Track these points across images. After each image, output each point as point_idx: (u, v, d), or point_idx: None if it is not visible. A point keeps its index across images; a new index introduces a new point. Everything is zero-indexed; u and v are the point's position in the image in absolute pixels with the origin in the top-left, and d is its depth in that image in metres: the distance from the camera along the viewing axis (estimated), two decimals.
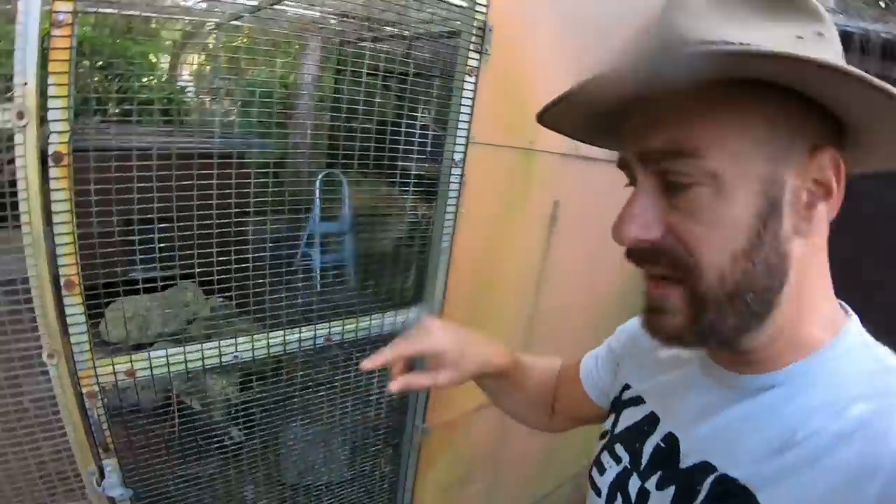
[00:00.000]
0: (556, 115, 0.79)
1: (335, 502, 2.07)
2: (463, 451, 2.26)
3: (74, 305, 1.26)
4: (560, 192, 2.03)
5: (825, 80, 0.58)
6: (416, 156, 1.63)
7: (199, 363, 1.47)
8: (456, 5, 1.56)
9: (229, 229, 1.37)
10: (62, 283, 1.23)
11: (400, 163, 1.63)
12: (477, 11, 1.57)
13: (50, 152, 1.13)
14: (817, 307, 0.72)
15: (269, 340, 1.52)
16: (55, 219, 1.18)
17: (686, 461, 0.77)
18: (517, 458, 2.63)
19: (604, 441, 0.97)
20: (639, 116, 0.70)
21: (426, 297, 1.73)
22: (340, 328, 1.60)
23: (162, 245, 1.34)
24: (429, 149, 1.69)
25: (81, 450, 1.40)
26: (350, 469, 2.01)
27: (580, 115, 0.78)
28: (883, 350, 0.72)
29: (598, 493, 0.92)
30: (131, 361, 1.39)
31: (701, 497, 0.72)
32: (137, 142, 1.26)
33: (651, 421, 0.88)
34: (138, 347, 1.97)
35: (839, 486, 0.60)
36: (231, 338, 1.49)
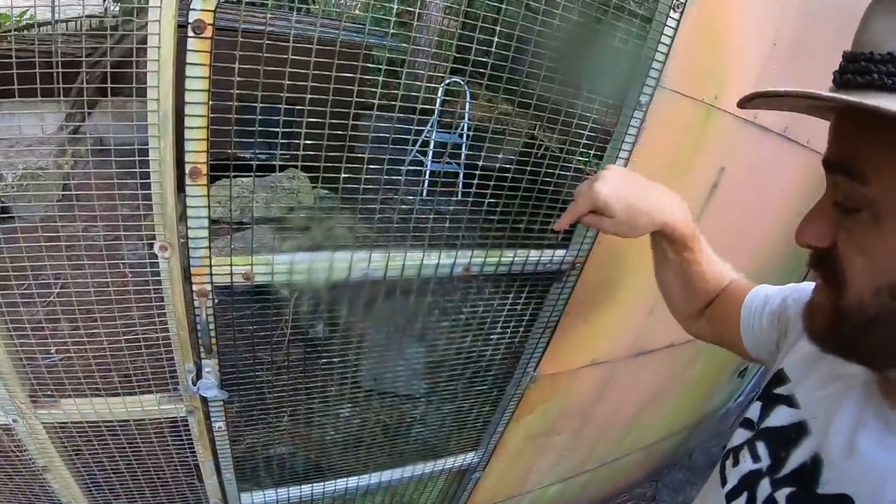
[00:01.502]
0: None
1: (427, 430, 2.05)
2: (559, 404, 2.22)
3: (198, 197, 1.18)
4: (728, 158, 1.88)
5: None
6: (597, 98, 1.48)
7: (325, 274, 1.39)
8: None
9: (346, 122, 1.26)
10: (187, 171, 1.14)
11: (577, 103, 1.48)
12: None
13: (191, 20, 1.02)
14: None
15: (406, 261, 1.44)
16: (188, 98, 1.08)
17: (825, 488, 0.76)
18: (603, 422, 2.60)
19: (748, 432, 0.95)
20: (835, 123, 0.71)
21: (574, 240, 1.64)
22: (482, 261, 1.51)
23: (281, 130, 1.23)
24: (611, 90, 1.54)
25: (182, 347, 1.39)
26: (451, 403, 1.97)
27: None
28: None
29: (724, 483, 0.93)
30: (251, 264, 1.32)
31: None
32: (269, 25, 1.13)
33: (800, 431, 0.86)
34: (238, 229, 1.93)
35: None
36: (365, 251, 1.40)
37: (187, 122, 1.10)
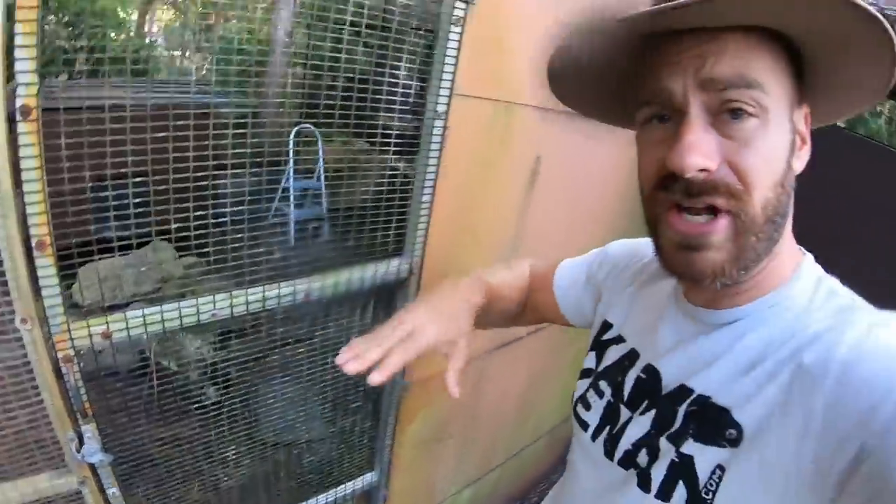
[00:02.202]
0: (571, 80, 0.88)
1: (316, 459, 2.08)
2: (441, 406, 2.29)
3: (47, 267, 1.20)
4: (541, 147, 2.02)
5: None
6: (397, 108, 1.60)
7: (177, 322, 1.43)
8: None
9: (203, 183, 1.33)
10: (33, 244, 1.17)
11: (381, 114, 1.60)
12: None
13: (17, 105, 1.06)
14: (788, 243, 0.82)
15: (248, 297, 1.49)
16: (24, 176, 1.12)
17: (667, 388, 0.86)
18: (492, 416, 2.67)
19: (588, 379, 1.04)
20: (697, 43, 0.71)
21: (406, 250, 1.73)
22: (320, 284, 1.58)
23: (135, 202, 1.28)
24: (411, 101, 1.66)
25: (59, 416, 1.36)
26: (331, 426, 2.01)
27: (595, 72, 0.85)
28: (834, 281, 0.82)
29: (585, 427, 0.99)
30: (107, 322, 1.34)
31: (679, 417, 0.81)
32: (107, 97, 1.20)
33: (631, 356, 0.97)
34: (112, 309, 1.92)
35: (795, 393, 0.69)
36: (209, 295, 1.46)
37: (27, 198, 1.13)
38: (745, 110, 0.70)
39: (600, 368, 1.03)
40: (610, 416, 0.95)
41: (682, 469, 0.78)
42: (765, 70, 0.70)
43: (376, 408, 2.07)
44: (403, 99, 1.61)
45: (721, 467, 0.74)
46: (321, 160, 4.86)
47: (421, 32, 1.62)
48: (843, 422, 0.62)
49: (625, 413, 0.93)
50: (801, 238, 0.86)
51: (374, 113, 1.57)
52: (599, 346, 1.07)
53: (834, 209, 3.30)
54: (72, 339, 1.29)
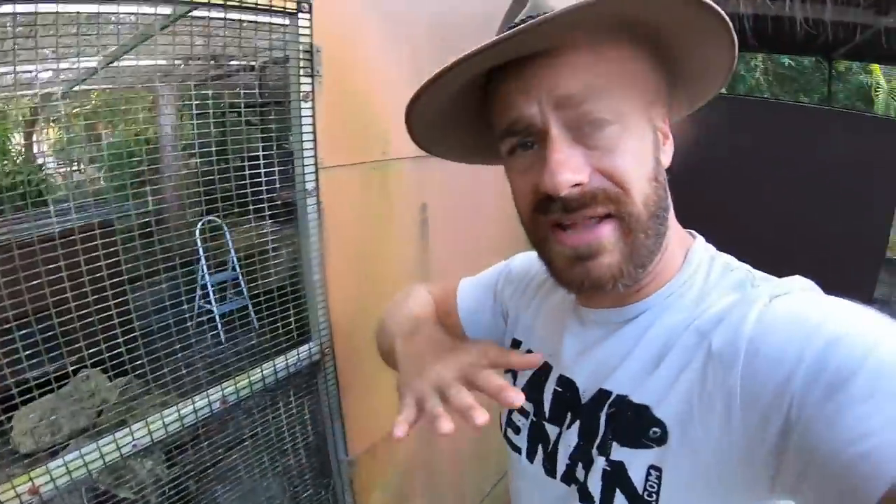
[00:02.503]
0: (429, 126, 0.87)
1: None
2: (394, 471, 2.25)
3: None
4: (425, 194, 2.05)
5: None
6: (277, 187, 1.61)
7: (100, 462, 1.38)
8: (278, 29, 1.53)
9: (120, 300, 1.33)
10: None
11: (265, 197, 1.60)
12: (301, 35, 1.55)
13: None
14: (676, 232, 0.84)
15: (165, 420, 1.45)
16: None
17: (585, 396, 0.85)
18: (452, 461, 2.64)
19: None
20: (541, 68, 0.72)
21: (312, 333, 1.72)
22: (234, 388, 1.56)
23: (51, 335, 1.26)
24: (288, 178, 1.66)
25: None
26: None
27: (449, 108, 0.84)
28: (727, 257, 0.85)
29: (519, 451, 0.97)
30: (31, 479, 1.27)
31: (602, 423, 0.80)
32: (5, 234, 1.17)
33: (544, 371, 0.95)
34: (55, 453, 1.85)
35: (710, 380, 0.69)
36: (141, 420, 1.42)
37: None
38: (604, 119, 0.71)
39: (519, 388, 0.98)
40: (538, 435, 0.93)
41: (616, 477, 0.76)
42: (617, 75, 0.72)
43: (330, 490, 2.03)
44: (283, 176, 1.62)
45: (655, 468, 0.73)
46: (232, 250, 4.81)
47: (276, 115, 1.63)
48: (762, 398, 0.62)
49: (551, 430, 0.91)
50: (709, 212, 0.88)
51: (259, 195, 1.58)
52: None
53: (732, 173, 3.48)
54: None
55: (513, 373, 1.04)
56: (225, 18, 1.42)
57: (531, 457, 0.94)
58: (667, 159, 0.81)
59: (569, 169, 0.70)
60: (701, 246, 0.86)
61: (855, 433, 0.54)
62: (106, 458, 1.38)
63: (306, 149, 1.58)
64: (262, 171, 1.60)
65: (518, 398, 0.78)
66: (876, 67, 12.30)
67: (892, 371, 0.56)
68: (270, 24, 1.50)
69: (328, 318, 1.72)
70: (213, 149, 1.48)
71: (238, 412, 1.64)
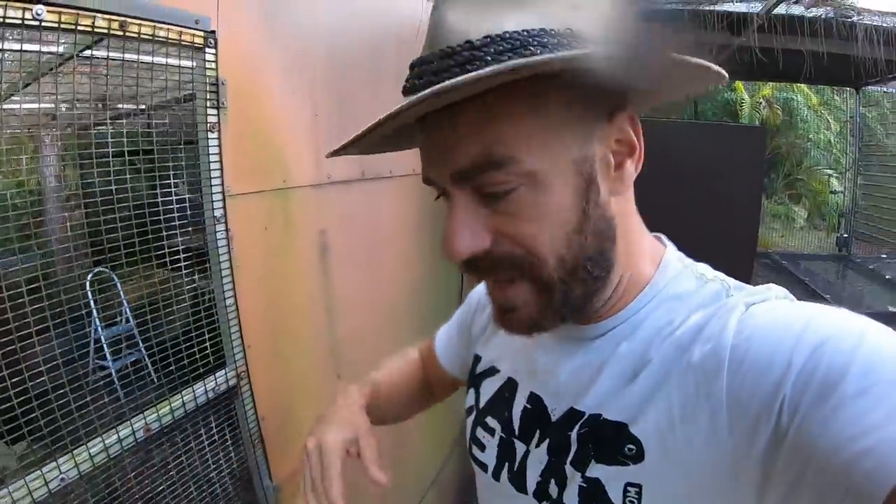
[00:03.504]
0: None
1: None
2: None
3: None
4: (323, 220, 2.12)
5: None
6: (179, 224, 1.63)
7: (28, 500, 1.33)
8: (186, 64, 1.58)
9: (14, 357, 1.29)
10: None
11: (166, 235, 1.62)
12: (208, 69, 1.60)
13: None
14: (640, 247, 0.81)
15: (91, 451, 1.44)
16: None
17: (555, 414, 0.83)
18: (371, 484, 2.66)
19: (472, 417, 1.01)
20: (438, 137, 0.69)
21: (227, 360, 1.74)
22: (155, 415, 1.56)
23: None
24: (190, 214, 1.69)
25: None
26: None
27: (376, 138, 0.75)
28: (701, 266, 0.83)
29: (485, 469, 0.94)
30: None
31: (573, 441, 0.78)
32: None
33: (510, 387, 0.94)
34: None
35: (692, 392, 0.67)
36: (50, 463, 1.39)
37: None
38: (504, 188, 0.66)
39: (482, 404, 0.99)
40: (506, 452, 0.91)
41: (593, 494, 0.74)
42: (520, 130, 0.65)
43: None
44: (183, 214, 1.65)
45: (633, 485, 0.70)
46: (125, 302, 4.69)
47: (184, 146, 1.67)
48: (750, 407, 0.61)
49: (520, 447, 0.88)
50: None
51: (160, 235, 1.60)
52: (473, 382, 1.05)
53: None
54: None
55: (473, 388, 1.04)
56: (128, 56, 1.45)
57: (497, 474, 0.91)
58: (631, 172, 0.74)
59: (464, 237, 0.69)
60: (673, 256, 0.84)
61: (854, 430, 0.53)
62: (34, 494, 1.34)
63: (214, 177, 1.63)
64: (161, 215, 1.63)
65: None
66: (739, 85, 13.28)
67: (884, 362, 0.55)
68: (179, 58, 1.56)
69: (243, 345, 1.76)
70: (99, 199, 1.47)
71: (162, 441, 1.64)
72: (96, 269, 4.31)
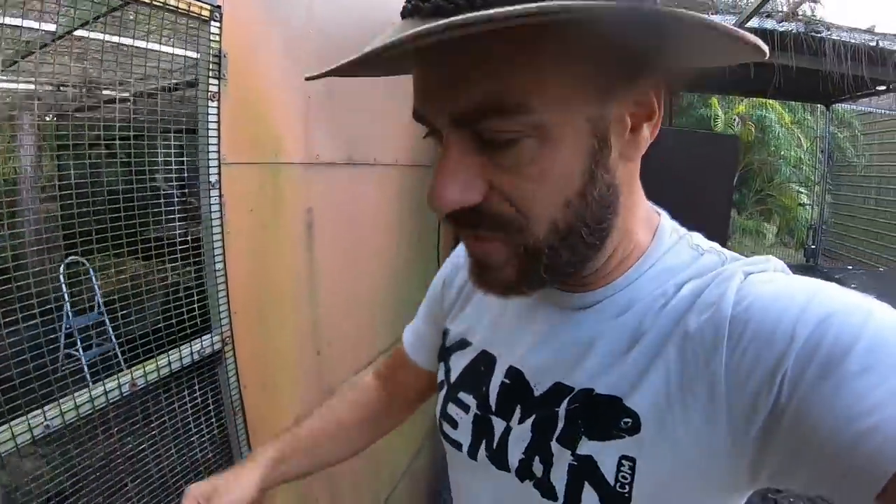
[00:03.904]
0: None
1: None
2: (296, 483, 2.29)
3: None
4: (311, 199, 2.18)
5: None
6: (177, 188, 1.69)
7: (11, 443, 1.36)
8: (192, 36, 1.64)
9: None
10: None
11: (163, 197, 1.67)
12: (212, 40, 1.66)
13: None
14: (639, 214, 0.75)
15: (77, 400, 1.47)
16: None
17: (539, 388, 0.78)
18: (347, 469, 2.71)
19: (443, 392, 0.94)
20: (442, 71, 0.61)
21: (213, 324, 1.79)
22: (142, 371, 1.60)
23: None
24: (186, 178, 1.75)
25: None
26: None
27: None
28: (696, 236, 0.79)
29: (459, 447, 0.88)
30: None
31: (561, 418, 0.74)
32: None
33: (485, 361, 0.87)
34: None
35: (690, 362, 0.64)
36: (37, 407, 1.41)
37: None
38: (511, 137, 0.59)
39: (453, 379, 0.92)
40: (482, 430, 0.84)
41: (584, 471, 0.70)
42: (537, 76, 0.57)
43: None
44: (179, 177, 1.71)
45: (628, 458, 0.67)
46: (98, 292, 4.69)
47: (185, 114, 1.73)
48: (750, 381, 0.58)
49: (498, 424, 0.82)
50: None
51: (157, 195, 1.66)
52: (442, 356, 0.98)
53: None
54: None
55: (444, 363, 0.96)
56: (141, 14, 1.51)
57: (474, 452, 0.85)
58: (624, 155, 0.67)
59: (455, 186, 0.62)
60: (668, 225, 0.79)
61: (857, 409, 0.51)
62: (18, 438, 1.37)
63: (211, 144, 1.69)
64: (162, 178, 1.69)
65: None
66: (714, 101, 13.54)
67: (889, 343, 0.53)
68: (187, 28, 1.62)
69: (229, 311, 1.81)
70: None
71: (147, 399, 1.69)
72: (69, 259, 4.34)
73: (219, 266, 1.76)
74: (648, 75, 0.63)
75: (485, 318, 0.92)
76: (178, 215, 1.74)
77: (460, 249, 0.97)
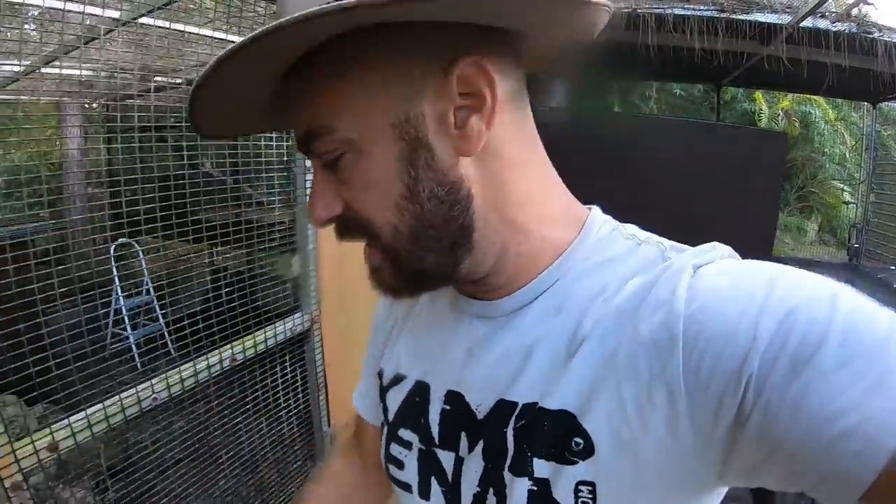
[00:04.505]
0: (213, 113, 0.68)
1: None
2: None
3: None
4: None
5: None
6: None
7: (121, 416, 1.47)
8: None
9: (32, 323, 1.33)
10: None
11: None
12: None
13: None
14: (545, 209, 0.72)
15: (182, 374, 1.60)
16: None
17: (481, 410, 0.72)
18: None
19: (385, 433, 0.87)
20: (293, 108, 0.67)
21: (303, 304, 1.91)
22: (241, 347, 1.73)
23: None
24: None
25: None
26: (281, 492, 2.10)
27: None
28: (631, 227, 0.74)
29: (409, 489, 0.81)
30: (52, 433, 1.31)
31: (510, 440, 0.68)
32: None
33: (420, 391, 0.81)
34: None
35: (645, 371, 0.59)
36: (146, 380, 1.54)
37: None
38: (333, 154, 0.64)
39: (391, 417, 0.86)
40: (429, 466, 0.78)
41: (540, 498, 0.65)
42: (334, 98, 0.62)
43: (315, 463, 2.18)
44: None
45: (586, 483, 0.62)
46: (146, 273, 4.85)
47: None
48: (712, 384, 0.54)
49: (445, 457, 0.76)
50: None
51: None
52: (381, 397, 0.90)
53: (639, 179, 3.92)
54: (17, 459, 1.22)
55: (383, 404, 0.89)
56: None
57: (425, 492, 0.79)
58: (462, 150, 0.64)
59: (318, 205, 0.67)
60: (598, 218, 0.74)
61: (832, 408, 0.48)
62: (127, 411, 1.48)
63: None
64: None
65: None
66: (758, 95, 13.43)
67: (862, 331, 0.50)
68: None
69: (318, 289, 1.92)
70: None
71: (244, 374, 1.81)
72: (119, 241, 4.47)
73: (311, 247, 1.87)
74: (463, 63, 0.61)
75: (412, 347, 0.86)
76: (277, 199, 1.84)
77: None
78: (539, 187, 0.71)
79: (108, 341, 4.06)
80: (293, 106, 0.65)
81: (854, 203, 10.91)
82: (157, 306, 4.63)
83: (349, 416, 2.00)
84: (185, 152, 1.69)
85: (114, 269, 4.40)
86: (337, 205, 0.66)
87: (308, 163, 1.79)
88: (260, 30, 0.51)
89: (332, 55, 0.60)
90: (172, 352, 3.37)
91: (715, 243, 0.66)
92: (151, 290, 4.77)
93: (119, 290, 4.64)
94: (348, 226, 0.68)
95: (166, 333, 3.80)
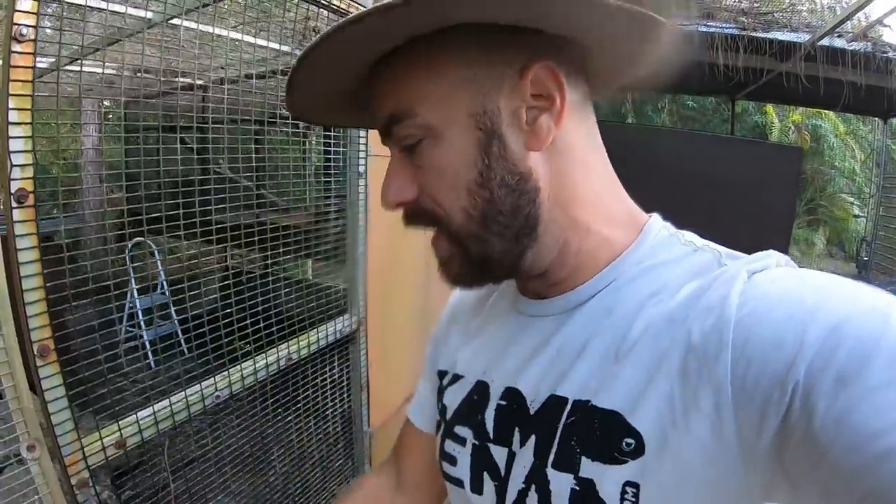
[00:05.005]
0: (304, 99, 0.77)
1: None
2: None
3: (52, 377, 1.13)
4: None
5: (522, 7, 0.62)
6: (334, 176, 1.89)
7: (185, 413, 1.52)
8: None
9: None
10: (36, 351, 1.09)
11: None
12: None
13: (13, 190, 1.03)
14: (607, 211, 0.74)
15: (244, 372, 1.67)
16: (23, 271, 1.07)
17: (534, 404, 0.73)
18: None
19: (441, 431, 0.88)
20: (372, 97, 0.72)
21: (352, 306, 1.98)
22: (296, 347, 1.80)
23: None
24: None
25: None
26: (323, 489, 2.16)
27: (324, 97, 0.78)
28: (689, 234, 0.75)
29: (461, 484, 0.82)
30: (119, 430, 1.32)
31: (558, 436, 0.69)
32: None
33: (479, 390, 0.83)
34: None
35: (694, 374, 0.59)
36: (209, 377, 1.59)
37: (26, 296, 1.07)
38: (411, 140, 0.68)
39: (449, 416, 0.87)
40: (482, 462, 0.79)
41: (582, 498, 0.65)
42: (417, 85, 0.67)
43: (354, 464, 2.23)
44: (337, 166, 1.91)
45: (631, 484, 0.62)
46: (161, 273, 4.88)
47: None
48: (757, 391, 0.54)
49: (498, 452, 0.76)
50: None
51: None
52: (440, 396, 0.92)
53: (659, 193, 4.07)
54: (85, 457, 1.22)
55: (440, 403, 0.91)
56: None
57: (477, 488, 0.79)
58: (532, 145, 0.68)
59: (392, 189, 0.71)
60: (657, 223, 0.76)
61: (877, 427, 0.47)
62: (192, 408, 1.53)
63: (361, 137, 1.88)
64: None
65: None
66: (769, 108, 13.51)
67: None
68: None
69: (366, 294, 1.99)
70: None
71: (297, 374, 1.89)
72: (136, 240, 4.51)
73: (361, 251, 1.94)
74: (537, 66, 0.66)
75: (474, 348, 0.88)
76: (333, 202, 1.93)
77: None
78: (602, 189, 0.75)
79: (121, 338, 4.11)
80: (378, 92, 0.70)
81: (863, 216, 10.96)
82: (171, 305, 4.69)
83: (386, 416, 2.06)
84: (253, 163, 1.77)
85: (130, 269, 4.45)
86: (411, 189, 0.70)
87: (361, 168, 1.89)
88: (366, 9, 0.56)
89: (419, 48, 0.65)
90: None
91: (771, 251, 0.67)
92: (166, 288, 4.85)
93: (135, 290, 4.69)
94: (418, 212, 0.71)
95: (180, 333, 3.89)
